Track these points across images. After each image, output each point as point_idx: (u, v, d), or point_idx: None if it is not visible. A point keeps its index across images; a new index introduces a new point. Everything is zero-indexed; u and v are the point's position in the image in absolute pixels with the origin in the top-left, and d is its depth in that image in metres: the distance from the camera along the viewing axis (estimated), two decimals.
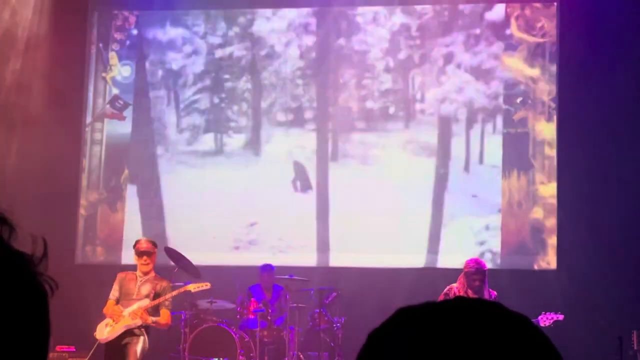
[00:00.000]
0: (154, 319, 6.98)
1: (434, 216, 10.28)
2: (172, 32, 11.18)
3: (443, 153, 10.49)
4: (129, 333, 6.92)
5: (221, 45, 11.09)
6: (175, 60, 11.13)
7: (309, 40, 10.96)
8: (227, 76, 11.06)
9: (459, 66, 10.56)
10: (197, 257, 9.65)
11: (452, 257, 9.07)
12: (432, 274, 8.91)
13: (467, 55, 10.52)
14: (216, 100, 11.06)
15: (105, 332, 6.94)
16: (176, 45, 11.15)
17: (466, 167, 10.37)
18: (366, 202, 10.40)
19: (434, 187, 10.39)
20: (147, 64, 11.16)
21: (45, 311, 0.85)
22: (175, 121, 11.05)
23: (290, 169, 10.76)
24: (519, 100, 10.17)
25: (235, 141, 10.94)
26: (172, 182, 10.90)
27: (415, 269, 9.73)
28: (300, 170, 10.73)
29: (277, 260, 10.14)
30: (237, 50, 11.08)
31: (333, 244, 10.43)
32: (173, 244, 10.29)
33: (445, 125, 10.55)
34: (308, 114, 10.87)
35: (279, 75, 10.90)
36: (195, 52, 11.12)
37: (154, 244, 7.22)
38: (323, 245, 10.47)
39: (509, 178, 9.93)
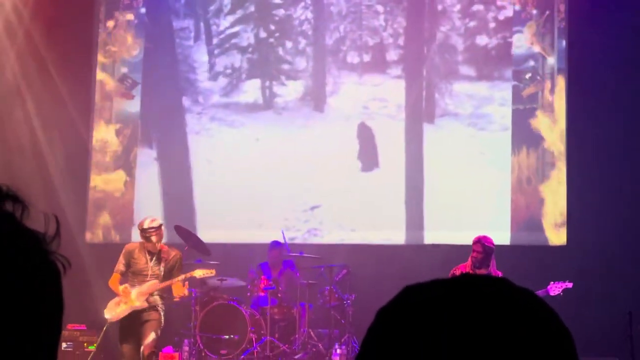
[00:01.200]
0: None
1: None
2: None
3: None
4: (148, 309, 9.22)
5: None
6: None
7: None
8: (278, 0, 11.32)
9: None
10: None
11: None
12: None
13: None
14: (263, 34, 11.32)
15: (114, 311, 9.28)
16: None
17: None
18: (473, 175, 10.61)
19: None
20: None
21: (59, 289, 1.16)
22: (206, 62, 11.40)
23: (362, 130, 11.00)
24: (528, 76, 11.03)
25: (289, 91, 11.21)
26: (203, 146, 11.31)
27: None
28: (368, 135, 10.96)
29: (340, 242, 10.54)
30: None
31: (428, 225, 10.79)
32: (204, 229, 10.78)
33: None
34: (392, 55, 11.04)
35: (350, 0, 11.07)
36: None
37: (157, 220, 9.38)
38: (415, 224, 10.82)
39: (518, 154, 11.04)
